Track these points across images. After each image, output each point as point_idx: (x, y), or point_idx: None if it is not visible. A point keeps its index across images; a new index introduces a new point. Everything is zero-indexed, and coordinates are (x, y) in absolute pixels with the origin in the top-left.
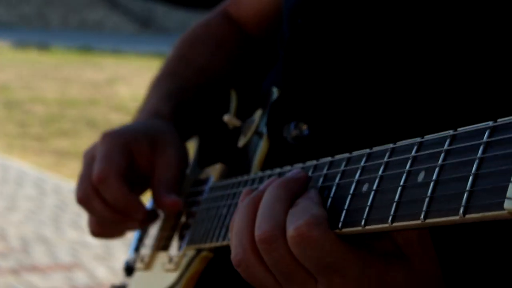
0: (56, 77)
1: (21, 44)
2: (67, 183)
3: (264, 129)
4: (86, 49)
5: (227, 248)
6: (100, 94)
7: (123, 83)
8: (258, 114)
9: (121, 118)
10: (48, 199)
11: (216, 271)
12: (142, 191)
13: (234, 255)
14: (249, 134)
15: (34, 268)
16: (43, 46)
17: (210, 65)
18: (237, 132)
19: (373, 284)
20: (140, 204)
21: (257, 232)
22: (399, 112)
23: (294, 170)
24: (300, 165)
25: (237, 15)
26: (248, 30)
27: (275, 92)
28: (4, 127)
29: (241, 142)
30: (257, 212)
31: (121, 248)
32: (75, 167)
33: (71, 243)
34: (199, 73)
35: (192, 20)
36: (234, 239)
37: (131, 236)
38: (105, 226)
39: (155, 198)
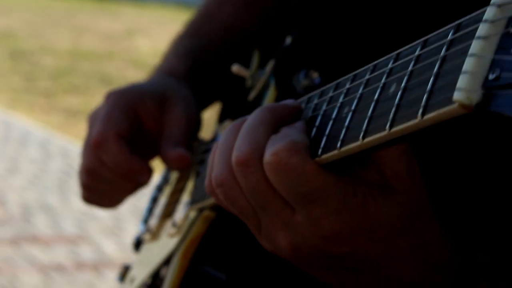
0: (68, 25)
1: None
2: (75, 145)
3: (273, 79)
4: None
5: None
6: (116, 47)
7: (143, 35)
8: (270, 65)
9: (139, 75)
10: (54, 162)
11: (219, 233)
12: (153, 155)
13: (215, 174)
14: (260, 86)
15: (35, 239)
16: None
17: (237, 25)
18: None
19: (356, 216)
20: (145, 164)
21: (234, 153)
22: None
23: (287, 100)
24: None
25: None
26: None
27: (288, 40)
28: (9, 79)
29: (252, 95)
30: (237, 135)
31: (131, 220)
32: (86, 128)
33: (77, 213)
34: (223, 32)
35: None
36: (216, 159)
37: (143, 208)
38: (105, 195)
39: (162, 154)
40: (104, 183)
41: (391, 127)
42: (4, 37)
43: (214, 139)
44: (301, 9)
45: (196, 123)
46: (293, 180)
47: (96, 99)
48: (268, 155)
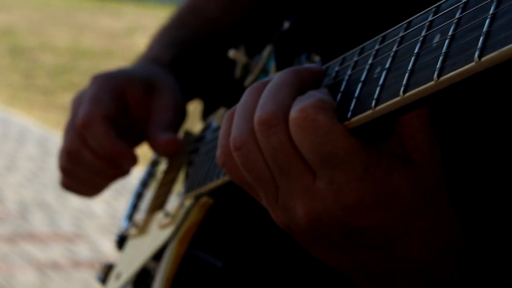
0: (68, 23)
1: None
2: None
3: (272, 64)
4: None
5: (228, 191)
6: (116, 45)
7: (144, 33)
8: (267, 50)
9: None
10: (52, 160)
11: (216, 220)
12: (137, 142)
13: (234, 136)
14: (257, 71)
15: (32, 237)
16: None
17: (222, 18)
18: (245, 79)
19: (377, 185)
20: (129, 150)
21: (257, 113)
22: None
23: (309, 64)
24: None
25: None
26: None
27: (286, 24)
28: (8, 76)
29: (248, 81)
30: (260, 95)
31: None
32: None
33: (74, 211)
34: (209, 25)
35: None
36: (236, 121)
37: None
38: (85, 181)
39: (150, 139)
40: (84, 168)
41: (439, 75)
42: (3, 34)
43: (207, 127)
44: None
45: (182, 112)
46: (319, 139)
47: None
48: (294, 111)
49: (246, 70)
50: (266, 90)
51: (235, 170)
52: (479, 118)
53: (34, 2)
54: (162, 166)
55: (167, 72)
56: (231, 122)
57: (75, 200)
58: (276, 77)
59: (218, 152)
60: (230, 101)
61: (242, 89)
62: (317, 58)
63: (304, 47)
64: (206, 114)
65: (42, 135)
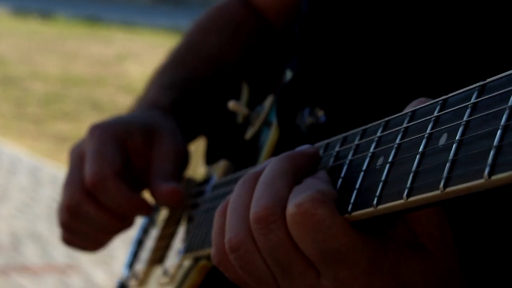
0: (59, 51)
1: (21, 11)
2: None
3: (274, 117)
4: (93, 20)
5: None
6: (107, 73)
7: (134, 61)
8: (268, 101)
9: (129, 101)
10: (44, 190)
11: (216, 284)
12: (139, 191)
13: (230, 237)
14: (258, 123)
15: (25, 269)
16: (45, 15)
17: (223, 55)
18: (245, 124)
19: (386, 277)
20: (145, 201)
21: (253, 210)
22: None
23: (303, 146)
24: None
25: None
26: (267, 17)
27: (288, 74)
28: None
29: (249, 134)
30: (254, 189)
31: (122, 250)
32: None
33: None
34: (209, 63)
35: None
36: (229, 219)
37: (133, 236)
38: (88, 236)
39: (152, 190)
40: (88, 223)
41: (446, 185)
42: None
43: (207, 180)
44: (304, 42)
45: (184, 158)
46: (320, 235)
47: (86, 125)
48: (291, 207)
49: (247, 120)
50: (260, 183)
51: (232, 270)
52: (492, 201)
53: (24, 29)
54: (163, 213)
55: (167, 116)
56: (224, 218)
57: None
58: (269, 167)
59: (213, 251)
60: (231, 146)
61: (243, 142)
62: (320, 112)
63: (307, 100)
64: (208, 153)
65: (34, 164)
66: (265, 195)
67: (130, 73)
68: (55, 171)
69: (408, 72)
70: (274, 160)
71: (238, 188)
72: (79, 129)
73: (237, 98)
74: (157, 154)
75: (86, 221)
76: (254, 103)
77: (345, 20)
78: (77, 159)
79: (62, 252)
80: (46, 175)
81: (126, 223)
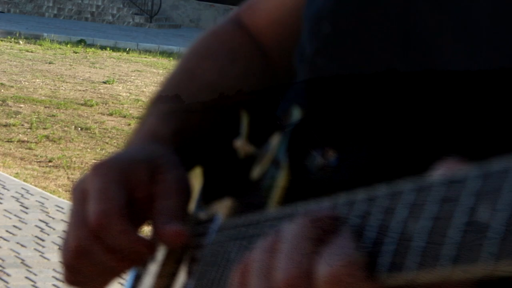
0: (47, 73)
1: (8, 33)
2: (53, 197)
3: (283, 158)
4: (81, 42)
5: None
6: (96, 94)
7: (122, 83)
8: (275, 139)
9: (118, 124)
10: (31, 215)
11: None
12: (140, 225)
13: None
14: (265, 163)
15: None
16: (33, 37)
17: (220, 81)
18: (249, 160)
19: None
20: (151, 244)
21: (280, 278)
22: (448, 139)
23: (322, 206)
24: (329, 201)
25: (251, 23)
26: (261, 41)
27: (297, 112)
28: None
29: (256, 173)
30: (277, 254)
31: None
32: (64, 178)
33: (55, 270)
34: (206, 90)
35: (204, 14)
36: (255, 284)
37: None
38: (93, 277)
39: (155, 230)
40: (95, 264)
41: (496, 262)
42: None
43: (211, 219)
44: (315, 80)
45: (187, 192)
46: None
47: (74, 148)
48: (324, 272)
49: (250, 156)
50: (283, 248)
51: None
52: None
53: (11, 54)
54: (161, 248)
55: (168, 149)
56: (245, 278)
57: (56, 258)
58: (290, 230)
59: None
60: (232, 182)
61: (250, 181)
62: (332, 154)
63: (318, 142)
64: (205, 187)
65: (20, 188)
66: (291, 261)
67: (119, 93)
68: (43, 196)
69: (430, 120)
70: (294, 223)
71: (257, 254)
72: (67, 153)
73: (236, 126)
74: (160, 191)
75: (93, 263)
76: (255, 132)
77: (358, 56)
78: (79, 197)
79: (50, 280)
80: (33, 199)
81: (133, 264)
